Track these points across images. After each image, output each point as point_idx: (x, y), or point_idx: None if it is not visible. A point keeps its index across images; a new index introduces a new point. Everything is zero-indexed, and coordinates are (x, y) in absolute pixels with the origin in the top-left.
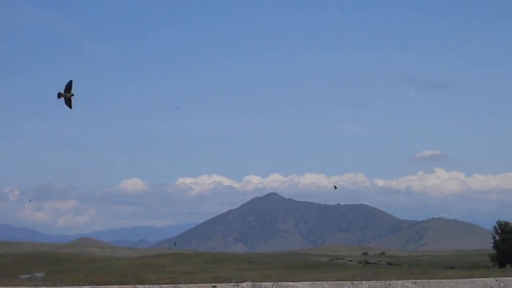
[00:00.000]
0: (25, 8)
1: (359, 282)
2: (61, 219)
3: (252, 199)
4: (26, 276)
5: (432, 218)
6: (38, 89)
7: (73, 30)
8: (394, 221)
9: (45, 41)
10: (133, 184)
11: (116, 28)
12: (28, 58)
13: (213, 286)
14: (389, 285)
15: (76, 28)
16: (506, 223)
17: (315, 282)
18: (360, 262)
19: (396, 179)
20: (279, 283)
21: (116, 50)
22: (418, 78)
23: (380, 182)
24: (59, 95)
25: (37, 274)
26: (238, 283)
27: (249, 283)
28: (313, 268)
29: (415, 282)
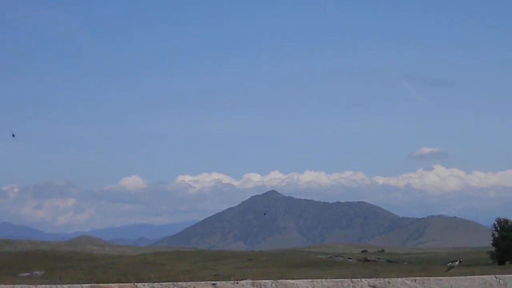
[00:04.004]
0: (25, 8)
1: (359, 279)
2: (61, 217)
3: (252, 196)
4: (25, 274)
5: (432, 216)
6: (38, 89)
7: (74, 29)
8: (394, 219)
9: (46, 40)
10: (133, 182)
11: (116, 27)
12: (29, 58)
13: (213, 284)
14: (389, 282)
15: (76, 28)
16: (506, 221)
17: (315, 279)
18: (360, 260)
19: (395, 176)
20: (279, 281)
21: (115, 49)
22: (417, 75)
23: (379, 180)
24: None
25: (37, 272)
26: (238, 281)
27: (249, 281)
28: (312, 265)
29: (415, 280)
